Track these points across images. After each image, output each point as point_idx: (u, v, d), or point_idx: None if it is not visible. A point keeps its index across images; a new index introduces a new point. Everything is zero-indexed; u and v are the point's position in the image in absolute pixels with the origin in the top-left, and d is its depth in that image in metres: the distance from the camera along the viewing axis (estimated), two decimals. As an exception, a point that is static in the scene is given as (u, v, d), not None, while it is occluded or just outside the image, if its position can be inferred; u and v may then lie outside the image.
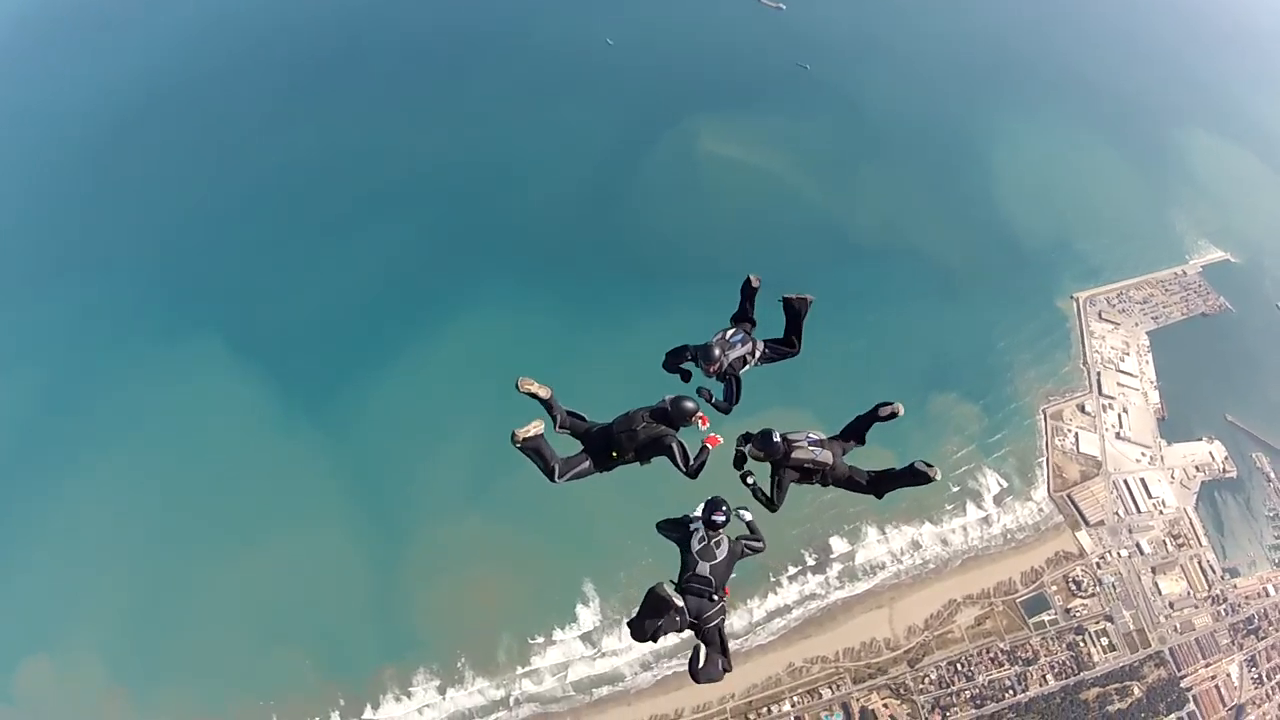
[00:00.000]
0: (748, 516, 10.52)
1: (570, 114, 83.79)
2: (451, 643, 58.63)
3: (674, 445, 10.11)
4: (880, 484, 10.69)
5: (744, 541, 10.38)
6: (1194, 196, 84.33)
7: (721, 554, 10.05)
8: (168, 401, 67.49)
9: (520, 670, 57.79)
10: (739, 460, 10.61)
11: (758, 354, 11.29)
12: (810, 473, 10.28)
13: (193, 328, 71.23)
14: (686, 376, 11.02)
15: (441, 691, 57.31)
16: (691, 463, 10.16)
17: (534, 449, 10.24)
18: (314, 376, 68.45)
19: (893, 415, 10.60)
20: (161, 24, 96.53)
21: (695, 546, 9.98)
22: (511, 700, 57.06)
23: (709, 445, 10.23)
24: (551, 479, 10.31)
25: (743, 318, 11.53)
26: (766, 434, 10.06)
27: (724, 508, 9.86)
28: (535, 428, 10.23)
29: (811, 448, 10.20)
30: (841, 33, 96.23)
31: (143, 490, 63.60)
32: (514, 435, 10.13)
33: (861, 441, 11.00)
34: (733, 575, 10.52)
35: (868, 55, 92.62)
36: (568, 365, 66.49)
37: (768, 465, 10.26)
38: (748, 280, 11.49)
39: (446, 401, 66.25)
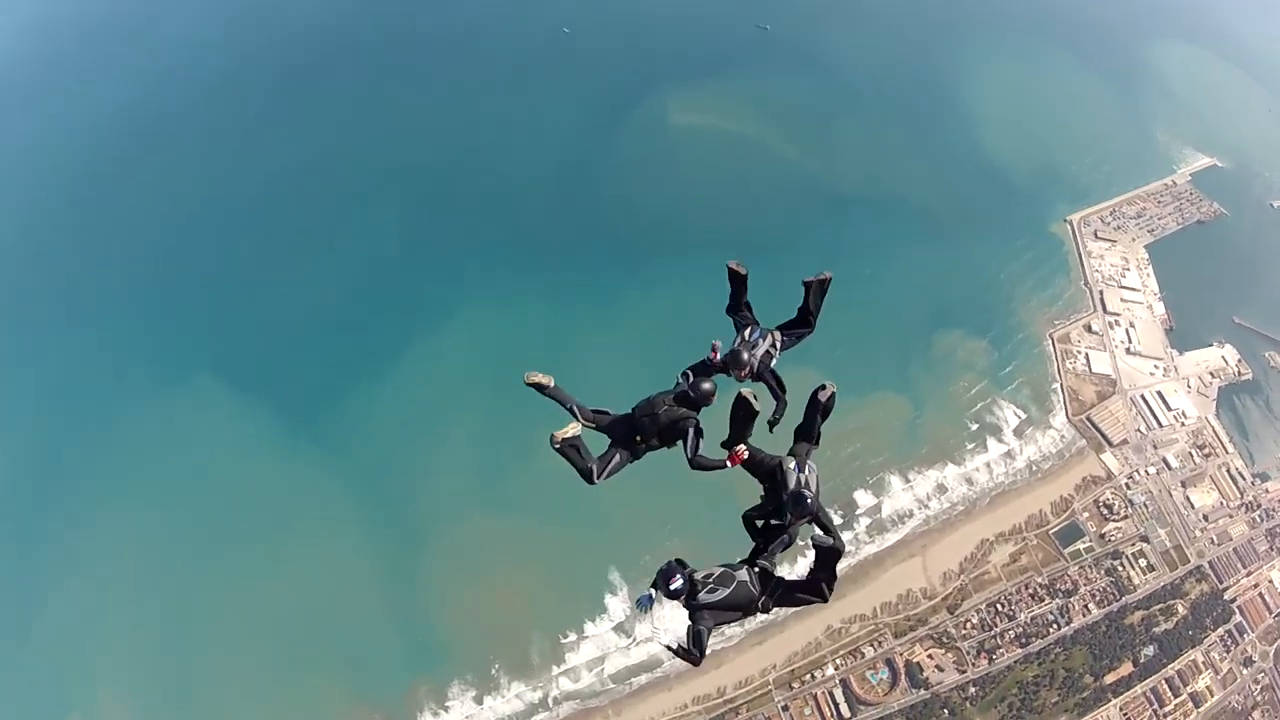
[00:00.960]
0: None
1: (536, 103, 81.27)
2: (482, 649, 56.52)
3: (690, 429, 9.73)
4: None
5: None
6: (1173, 108, 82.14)
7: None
8: (166, 439, 64.83)
9: (556, 669, 55.68)
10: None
11: (779, 344, 10.80)
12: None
13: (183, 361, 68.29)
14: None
15: (479, 701, 55.23)
16: (695, 452, 9.73)
17: (573, 448, 9.77)
18: (308, 393, 65.88)
19: (830, 398, 10.17)
20: (123, 58, 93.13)
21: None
22: (550, 700, 54.96)
23: (729, 463, 9.95)
24: (590, 480, 9.82)
25: (738, 308, 11.04)
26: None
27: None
28: (573, 429, 9.80)
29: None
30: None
31: (153, 532, 61.03)
32: (553, 437, 9.63)
33: (815, 442, 10.40)
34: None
35: (827, 9, 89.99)
36: (562, 349, 64.46)
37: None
38: (733, 270, 10.93)
39: (445, 401, 64.03)
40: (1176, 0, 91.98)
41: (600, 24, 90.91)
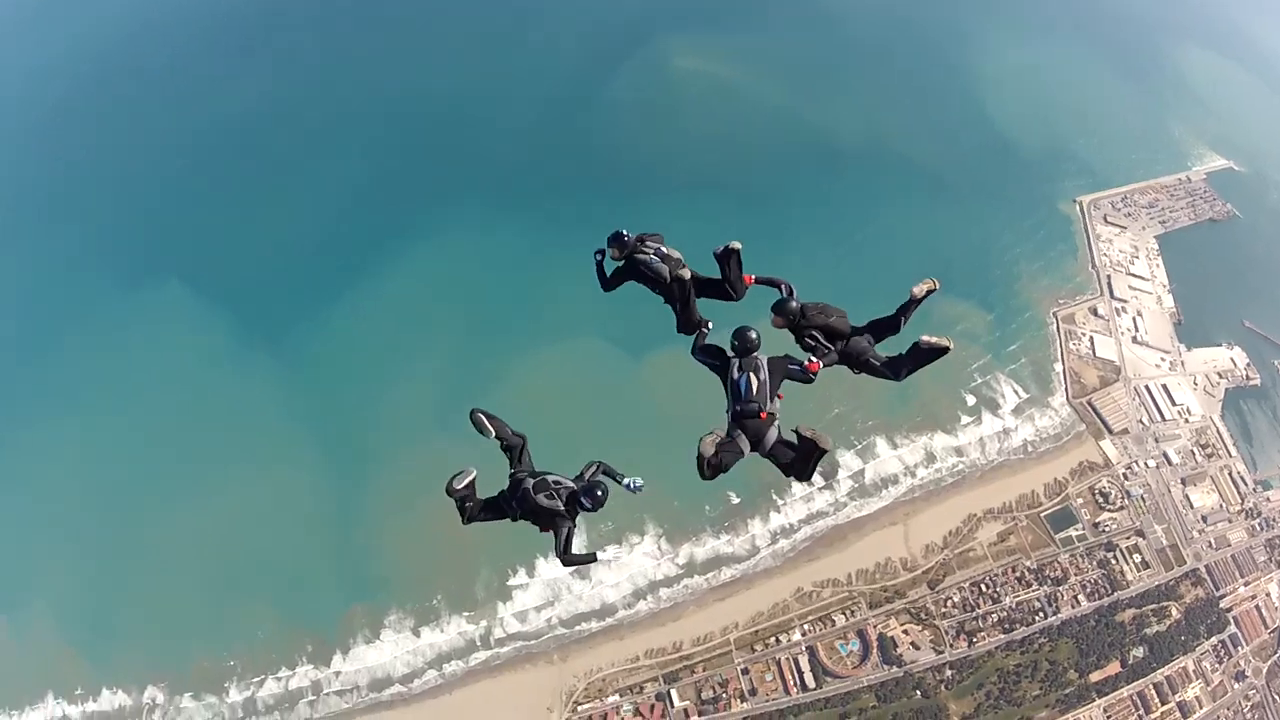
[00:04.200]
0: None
1: (535, 38, 75.23)
2: (426, 579, 50.57)
3: (564, 530, 9.22)
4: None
5: (788, 363, 9.06)
6: (1193, 107, 76.66)
7: (763, 376, 8.84)
8: (121, 345, 59.78)
9: (502, 606, 49.43)
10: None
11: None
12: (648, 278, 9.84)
13: (150, 268, 63.25)
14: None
15: (416, 632, 49.07)
16: (565, 551, 9.29)
17: (464, 498, 9.32)
18: (272, 311, 60.57)
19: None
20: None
21: (734, 375, 8.92)
22: (492, 639, 48.67)
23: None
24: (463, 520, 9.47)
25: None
26: (616, 234, 9.88)
27: (752, 333, 8.97)
28: (469, 477, 9.32)
29: (653, 256, 9.79)
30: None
31: (92, 441, 55.97)
32: (449, 488, 9.21)
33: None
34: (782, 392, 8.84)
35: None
36: (539, 284, 58.97)
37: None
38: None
39: (412, 329, 58.49)
40: (1206, 7, 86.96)
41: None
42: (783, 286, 9.67)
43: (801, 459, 8.66)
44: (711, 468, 8.44)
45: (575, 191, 64.38)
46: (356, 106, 71.23)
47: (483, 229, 62.41)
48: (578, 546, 9.47)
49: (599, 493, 9.01)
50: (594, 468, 9.69)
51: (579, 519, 9.28)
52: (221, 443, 55.34)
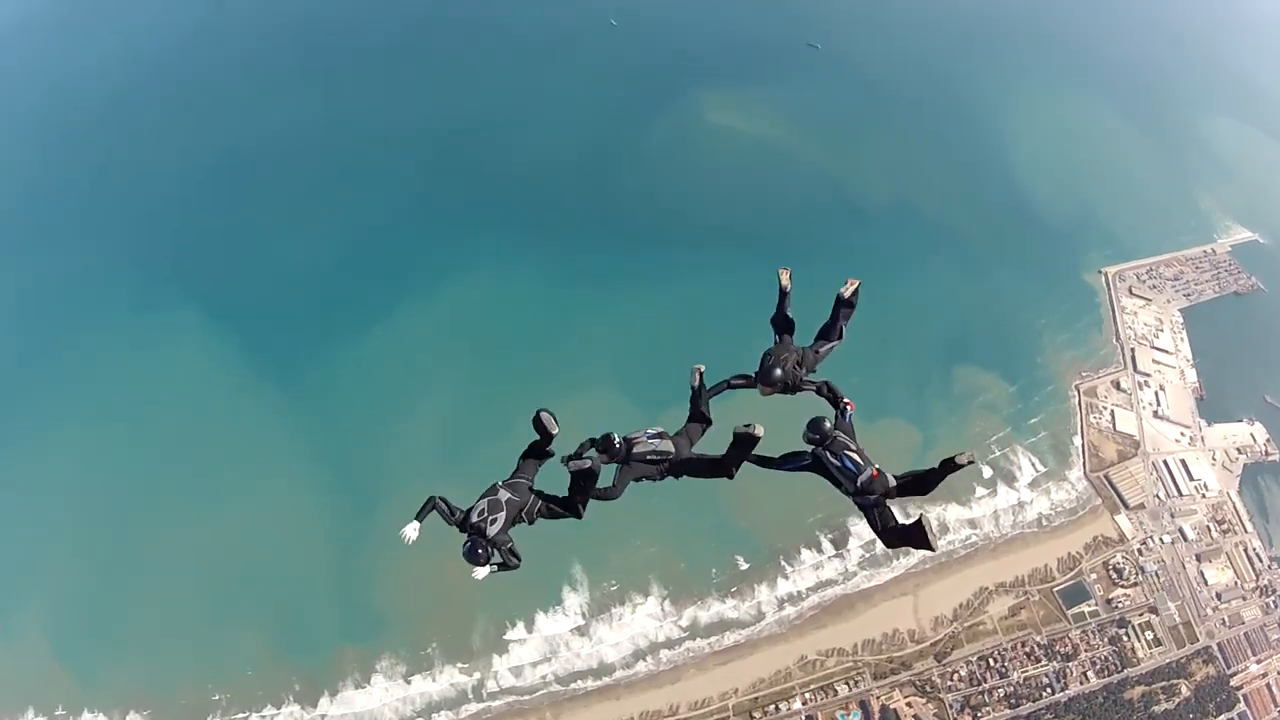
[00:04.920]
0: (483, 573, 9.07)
1: (572, 86, 74.66)
2: (422, 626, 49.31)
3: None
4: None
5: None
6: (1219, 179, 75.20)
7: (853, 445, 8.98)
8: (133, 365, 59.19)
9: (497, 659, 47.99)
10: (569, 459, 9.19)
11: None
12: (655, 463, 9.35)
13: (166, 292, 62.91)
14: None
15: (407, 679, 47.65)
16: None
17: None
18: (287, 341, 60.00)
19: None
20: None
21: (835, 463, 8.87)
22: (484, 691, 47.19)
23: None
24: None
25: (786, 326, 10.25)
26: (609, 436, 9.21)
27: (825, 423, 8.98)
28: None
29: (650, 440, 9.36)
30: (851, 6, 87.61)
31: (95, 455, 55.06)
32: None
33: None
34: None
35: (872, 29, 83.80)
36: (556, 329, 58.17)
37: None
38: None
39: (425, 367, 57.75)
40: (1236, 78, 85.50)
41: (648, 21, 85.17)
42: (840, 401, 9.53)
43: (935, 478, 8.82)
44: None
45: (600, 238, 63.71)
46: (386, 138, 70.71)
47: (503, 270, 61.62)
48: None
49: (477, 553, 8.63)
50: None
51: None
52: (225, 467, 54.43)
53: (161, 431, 55.96)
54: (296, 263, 63.26)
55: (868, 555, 51.01)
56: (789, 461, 9.16)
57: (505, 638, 48.24)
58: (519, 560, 9.02)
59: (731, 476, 9.48)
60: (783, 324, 10.09)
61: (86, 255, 65.04)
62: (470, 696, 47.24)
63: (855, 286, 10.00)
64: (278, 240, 63.85)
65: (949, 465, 8.68)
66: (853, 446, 8.91)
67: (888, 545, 9.28)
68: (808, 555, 50.29)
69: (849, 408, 9.27)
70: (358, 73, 77.29)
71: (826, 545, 50.80)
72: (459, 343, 58.83)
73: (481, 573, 8.93)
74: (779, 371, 9.30)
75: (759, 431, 8.87)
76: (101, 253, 65.39)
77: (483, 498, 8.99)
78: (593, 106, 74.24)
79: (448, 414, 55.30)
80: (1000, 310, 61.24)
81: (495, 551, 8.69)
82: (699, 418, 9.82)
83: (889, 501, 8.93)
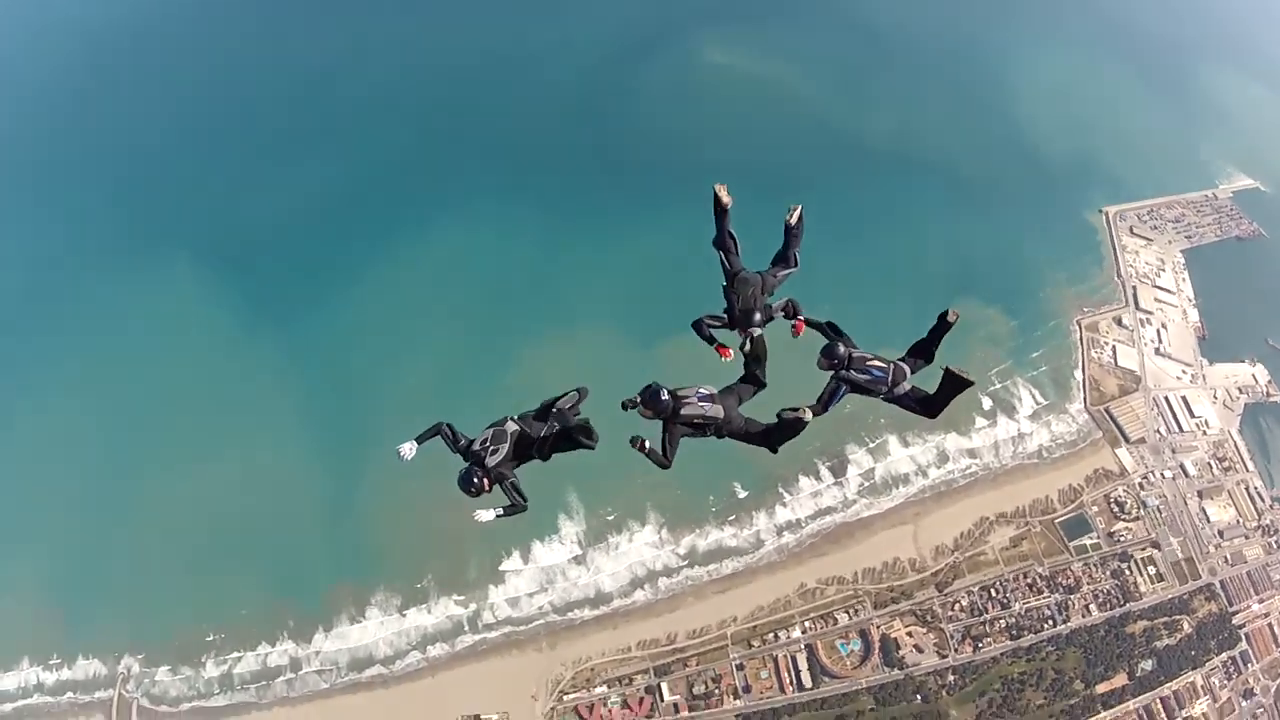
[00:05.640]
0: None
1: (567, 23, 72.92)
2: (417, 559, 48.72)
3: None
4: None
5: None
6: (1221, 127, 74.29)
7: (871, 356, 9.06)
8: (125, 312, 57.94)
9: (493, 589, 47.18)
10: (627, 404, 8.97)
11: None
12: (701, 427, 8.85)
13: (153, 242, 61.07)
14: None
15: (402, 611, 46.86)
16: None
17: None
18: (280, 286, 58.89)
19: (798, 421, 8.75)
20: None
21: (863, 377, 8.94)
22: (480, 622, 46.41)
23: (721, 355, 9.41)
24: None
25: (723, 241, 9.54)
26: (654, 390, 8.63)
27: (839, 348, 8.94)
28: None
29: (701, 403, 8.70)
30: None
31: (90, 407, 54.08)
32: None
33: (930, 359, 9.37)
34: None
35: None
36: (552, 271, 57.03)
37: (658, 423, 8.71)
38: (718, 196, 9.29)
39: (417, 309, 56.55)
40: (1237, 30, 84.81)
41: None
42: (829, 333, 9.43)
43: (944, 397, 8.98)
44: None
45: (593, 176, 62.52)
46: (375, 84, 68.97)
47: (497, 211, 60.46)
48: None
49: (471, 480, 8.33)
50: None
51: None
52: (220, 414, 53.67)
53: (153, 378, 54.94)
54: (285, 215, 61.79)
55: (866, 484, 50.23)
56: (829, 401, 8.93)
57: (501, 568, 47.48)
58: (524, 500, 8.68)
59: (775, 451, 9.20)
60: (725, 244, 9.49)
61: (72, 203, 63.74)
62: (466, 628, 46.58)
63: (799, 211, 9.35)
64: (268, 195, 62.17)
65: (944, 323, 9.16)
66: (866, 355, 8.89)
67: (935, 414, 9.22)
68: (806, 483, 49.52)
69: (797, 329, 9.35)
70: (344, 14, 75.38)
71: (825, 473, 50.03)
72: (454, 283, 57.79)
73: (485, 515, 8.64)
74: (758, 315, 9.03)
75: (808, 417, 8.60)
76: (87, 201, 63.95)
77: (490, 427, 8.65)
78: (590, 44, 72.32)
79: (443, 354, 54.28)
80: (1002, 247, 60.34)
81: (495, 487, 8.39)
82: (752, 380, 9.28)
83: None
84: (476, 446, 8.41)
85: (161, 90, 70.76)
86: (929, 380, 9.25)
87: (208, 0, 77.38)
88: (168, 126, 68.23)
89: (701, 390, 8.82)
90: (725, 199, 9.18)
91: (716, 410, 8.72)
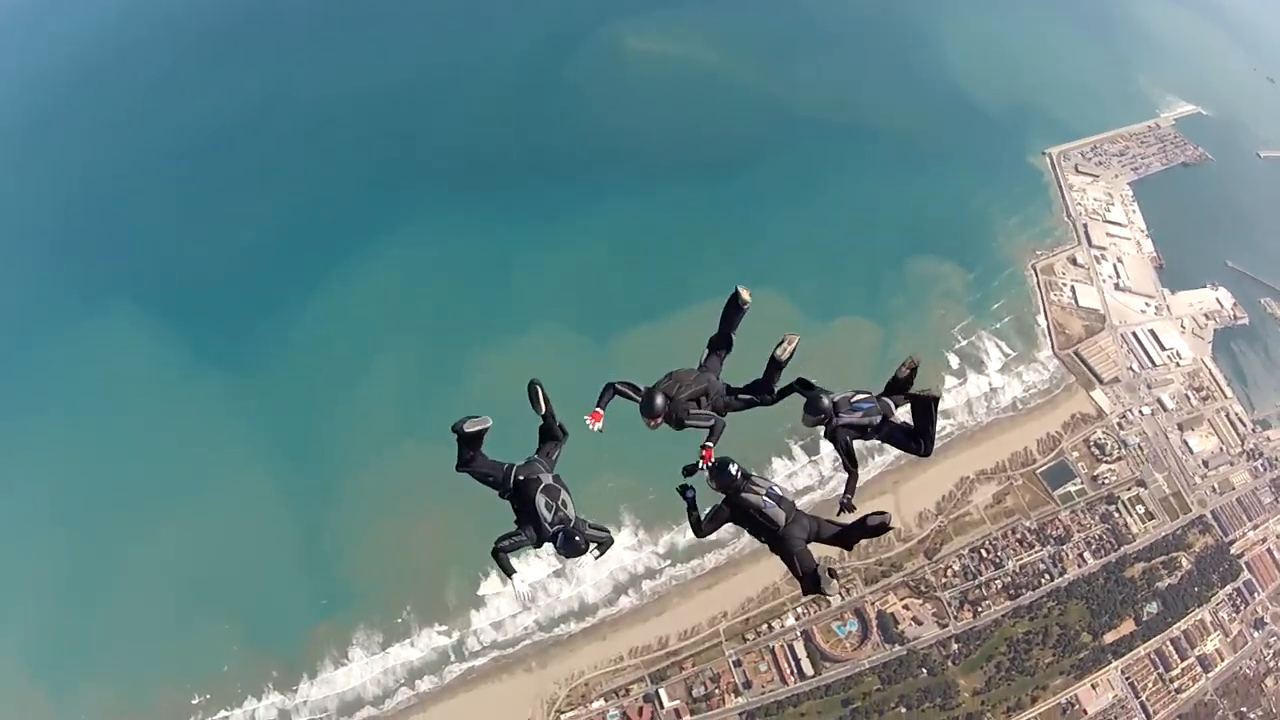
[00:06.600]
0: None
1: (486, 28, 71.66)
2: (393, 591, 46.74)
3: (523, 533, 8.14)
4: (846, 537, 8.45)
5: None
6: (1155, 57, 74.15)
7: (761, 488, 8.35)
8: (72, 362, 55.25)
9: (475, 614, 45.47)
10: (689, 470, 8.42)
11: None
12: (756, 522, 8.10)
13: (101, 283, 58.61)
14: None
15: (385, 648, 44.93)
16: (503, 549, 8.22)
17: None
18: (226, 318, 56.32)
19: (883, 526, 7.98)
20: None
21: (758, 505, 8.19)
22: (467, 650, 44.72)
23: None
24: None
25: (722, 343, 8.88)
26: (723, 464, 8.16)
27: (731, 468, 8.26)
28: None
29: (767, 498, 8.06)
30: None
31: (49, 459, 51.57)
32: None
33: (729, 348, 8.89)
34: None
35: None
36: (502, 270, 55.69)
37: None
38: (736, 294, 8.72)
39: (373, 327, 54.68)
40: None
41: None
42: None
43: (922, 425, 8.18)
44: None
45: (530, 178, 60.92)
46: (306, 104, 67.03)
47: (438, 224, 58.55)
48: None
49: (575, 541, 7.94)
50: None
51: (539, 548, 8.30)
52: (179, 460, 51.05)
53: (105, 438, 52.44)
54: (224, 243, 59.54)
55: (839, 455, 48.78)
56: (850, 457, 8.51)
57: (480, 592, 45.70)
58: (606, 531, 8.52)
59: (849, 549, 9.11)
60: (720, 344, 8.87)
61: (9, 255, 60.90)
62: (452, 657, 44.73)
63: (794, 346, 8.44)
64: (203, 223, 60.10)
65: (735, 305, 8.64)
66: (847, 394, 8.37)
67: (927, 449, 8.24)
68: (780, 464, 48.08)
69: (705, 457, 8.27)
70: (271, 47, 73.66)
71: (799, 452, 48.60)
72: (400, 300, 55.96)
73: (589, 558, 8.45)
74: (660, 401, 8.13)
75: (893, 522, 8.14)
76: (19, 262, 61.09)
77: (537, 491, 8.05)
78: (512, 48, 70.83)
79: (403, 371, 52.56)
80: (949, 201, 59.51)
81: (579, 538, 7.98)
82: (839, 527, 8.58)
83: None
84: (550, 516, 7.95)
85: (82, 138, 68.57)
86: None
87: (132, 46, 75.72)
88: (88, 175, 65.65)
89: (775, 488, 8.35)
90: (745, 298, 8.62)
91: (778, 514, 8.09)
